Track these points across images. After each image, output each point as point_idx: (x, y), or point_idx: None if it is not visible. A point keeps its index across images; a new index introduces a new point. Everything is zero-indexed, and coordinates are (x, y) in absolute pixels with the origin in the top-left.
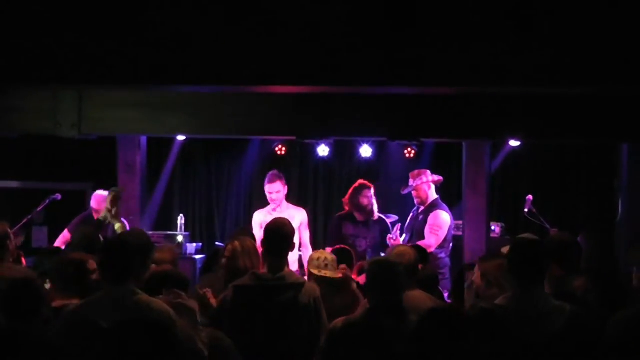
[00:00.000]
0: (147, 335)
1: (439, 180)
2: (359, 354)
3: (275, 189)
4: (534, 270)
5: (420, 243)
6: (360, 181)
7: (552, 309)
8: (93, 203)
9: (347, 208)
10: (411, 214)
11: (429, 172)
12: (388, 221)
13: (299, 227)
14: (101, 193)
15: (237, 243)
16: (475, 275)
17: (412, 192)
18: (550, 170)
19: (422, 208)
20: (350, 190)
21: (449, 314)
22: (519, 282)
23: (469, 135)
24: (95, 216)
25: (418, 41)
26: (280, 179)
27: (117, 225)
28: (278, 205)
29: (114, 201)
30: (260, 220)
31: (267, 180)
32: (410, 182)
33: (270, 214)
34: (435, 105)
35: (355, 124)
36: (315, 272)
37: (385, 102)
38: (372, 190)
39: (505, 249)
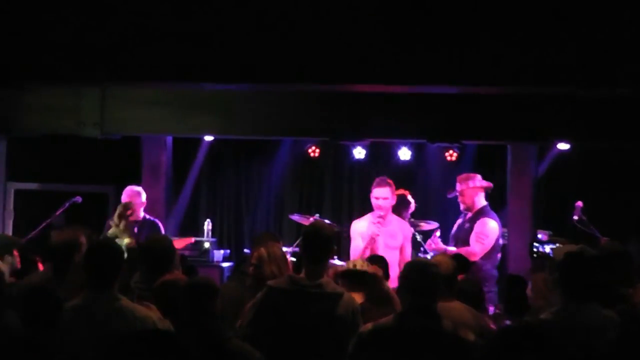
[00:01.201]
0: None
1: (488, 186)
2: None
3: (383, 195)
4: (586, 285)
5: (463, 249)
6: (401, 191)
7: (603, 323)
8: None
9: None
10: (458, 221)
11: (479, 177)
12: (425, 227)
13: (403, 243)
14: (133, 189)
15: (263, 250)
16: (529, 287)
17: (458, 197)
18: (600, 174)
19: (468, 215)
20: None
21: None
22: (569, 296)
23: (513, 137)
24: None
25: (459, 38)
26: (390, 185)
27: (126, 241)
28: (385, 214)
29: (121, 215)
30: (361, 229)
31: (375, 183)
32: (457, 186)
33: (374, 223)
34: (478, 106)
35: (393, 125)
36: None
37: (425, 102)
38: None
39: (557, 250)
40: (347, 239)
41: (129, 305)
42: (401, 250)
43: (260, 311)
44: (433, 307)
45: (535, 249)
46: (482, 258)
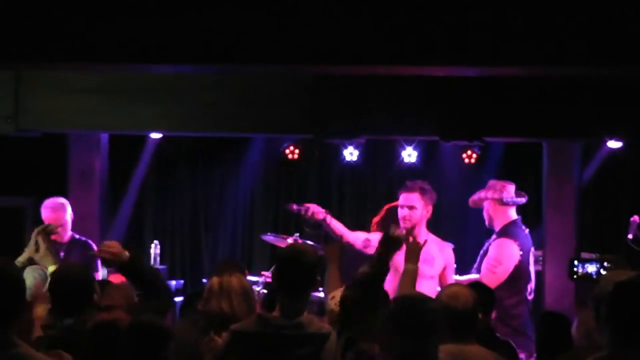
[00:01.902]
0: None
1: (519, 201)
2: None
3: (409, 202)
4: (639, 324)
5: (465, 280)
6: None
7: None
8: (45, 213)
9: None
10: (485, 245)
11: (508, 186)
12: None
13: (444, 269)
14: (56, 201)
15: (215, 280)
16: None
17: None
18: None
19: (493, 236)
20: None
21: None
22: (617, 337)
23: (551, 134)
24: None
25: (478, 4)
26: (423, 192)
27: (51, 268)
28: (416, 229)
29: (42, 234)
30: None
31: (403, 188)
32: (480, 194)
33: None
34: (504, 94)
35: (394, 118)
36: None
37: (436, 90)
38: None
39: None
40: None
41: (30, 354)
42: (441, 279)
43: None
44: (432, 354)
45: (575, 269)
46: (500, 290)
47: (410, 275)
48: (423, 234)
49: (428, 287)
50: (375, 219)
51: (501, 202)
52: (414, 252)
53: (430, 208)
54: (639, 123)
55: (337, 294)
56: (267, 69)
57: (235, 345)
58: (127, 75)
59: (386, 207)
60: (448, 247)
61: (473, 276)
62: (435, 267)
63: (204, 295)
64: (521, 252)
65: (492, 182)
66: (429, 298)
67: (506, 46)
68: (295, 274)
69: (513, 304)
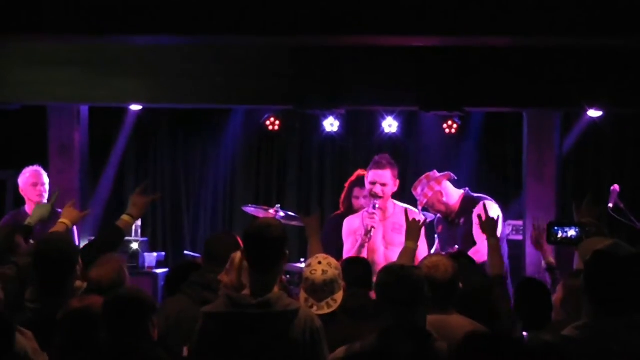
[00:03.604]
0: None
1: (446, 175)
2: None
3: (383, 179)
4: (617, 293)
5: (472, 252)
6: (359, 172)
7: None
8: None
9: (342, 209)
10: (440, 227)
11: (431, 174)
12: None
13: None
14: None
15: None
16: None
17: (430, 210)
18: None
19: (453, 215)
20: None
21: (494, 341)
22: (596, 307)
23: (531, 103)
24: (29, 209)
25: None
26: (392, 167)
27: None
28: (384, 204)
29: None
30: (355, 227)
31: (372, 164)
32: (420, 200)
33: (369, 216)
34: (484, 64)
35: (374, 89)
36: (303, 296)
37: (416, 61)
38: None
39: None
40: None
41: None
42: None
43: (198, 347)
44: (420, 323)
45: (554, 233)
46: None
47: (410, 253)
48: (391, 206)
49: (387, 253)
50: (341, 198)
51: (442, 182)
52: (414, 231)
53: (397, 181)
54: (619, 92)
55: (312, 261)
56: (247, 40)
57: (208, 327)
58: (107, 47)
59: (347, 183)
60: (416, 213)
61: (479, 246)
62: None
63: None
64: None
65: (415, 185)
66: (414, 267)
67: (487, 16)
68: (262, 249)
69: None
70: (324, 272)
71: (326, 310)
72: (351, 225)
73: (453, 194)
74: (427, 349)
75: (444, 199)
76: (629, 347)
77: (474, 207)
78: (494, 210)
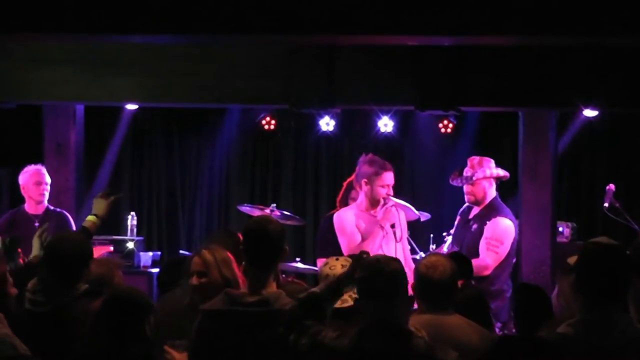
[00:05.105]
0: None
1: (504, 176)
2: None
3: (392, 181)
4: (610, 288)
5: (474, 263)
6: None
7: (636, 338)
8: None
9: (339, 208)
10: (457, 218)
11: (492, 162)
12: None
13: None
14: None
15: (206, 253)
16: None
17: (466, 187)
18: (638, 150)
19: (474, 211)
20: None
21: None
22: (589, 302)
23: (527, 103)
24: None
25: None
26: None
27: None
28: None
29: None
30: (352, 221)
31: (382, 167)
32: (468, 171)
33: (388, 211)
34: (480, 63)
35: (369, 88)
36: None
37: (412, 60)
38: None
39: (572, 259)
40: (313, 236)
41: None
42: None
43: (196, 344)
44: (398, 320)
45: None
46: (495, 268)
47: None
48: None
49: (399, 249)
50: (339, 197)
51: (499, 179)
52: None
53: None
54: (614, 92)
55: (329, 260)
56: (242, 40)
57: (206, 325)
58: (103, 46)
59: (345, 182)
60: (406, 209)
61: (480, 260)
62: (402, 229)
63: (194, 269)
64: (516, 230)
65: (478, 159)
66: (391, 259)
67: (481, 15)
68: (260, 246)
69: (505, 280)
70: (343, 266)
71: (350, 303)
72: (345, 218)
73: (491, 194)
74: (403, 346)
75: (487, 190)
76: (618, 343)
77: (489, 219)
78: (505, 227)
